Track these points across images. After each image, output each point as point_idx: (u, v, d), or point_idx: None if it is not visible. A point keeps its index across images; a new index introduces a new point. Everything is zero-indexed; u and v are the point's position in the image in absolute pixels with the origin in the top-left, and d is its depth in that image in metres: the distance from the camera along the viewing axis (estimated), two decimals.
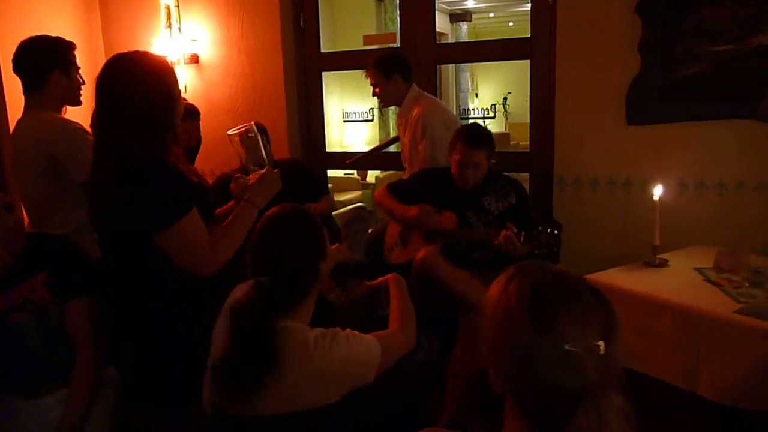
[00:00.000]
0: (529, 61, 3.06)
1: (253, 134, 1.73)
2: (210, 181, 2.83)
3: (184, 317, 1.54)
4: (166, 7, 3.66)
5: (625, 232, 2.77)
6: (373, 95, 3.00)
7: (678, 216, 2.53)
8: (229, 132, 1.72)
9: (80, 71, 2.31)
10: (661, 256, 2.24)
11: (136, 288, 1.57)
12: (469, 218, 2.49)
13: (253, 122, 1.76)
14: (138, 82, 1.50)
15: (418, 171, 2.81)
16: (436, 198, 2.53)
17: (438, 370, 1.77)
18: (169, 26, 3.67)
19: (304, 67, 3.64)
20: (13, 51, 2.22)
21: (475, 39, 10.09)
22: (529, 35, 3.05)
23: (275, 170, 1.74)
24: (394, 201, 2.65)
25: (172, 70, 1.61)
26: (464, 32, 10.06)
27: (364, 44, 3.66)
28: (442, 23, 9.20)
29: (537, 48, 3.00)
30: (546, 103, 2.95)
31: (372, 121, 7.55)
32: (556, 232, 2.17)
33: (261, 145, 1.73)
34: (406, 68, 2.92)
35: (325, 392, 1.31)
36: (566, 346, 0.73)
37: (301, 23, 3.59)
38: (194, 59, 3.68)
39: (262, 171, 1.71)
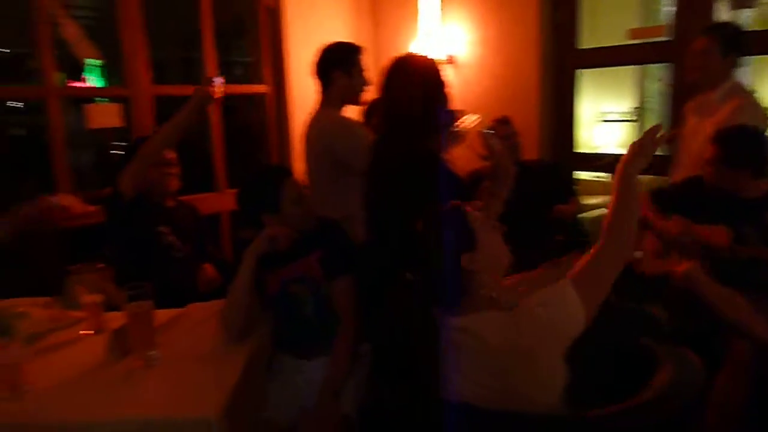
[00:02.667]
0: None
1: (486, 130, 1.73)
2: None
3: None
4: (428, 11, 3.87)
5: None
6: (688, 65, 2.68)
7: None
8: (458, 126, 1.74)
9: (364, 72, 2.52)
10: None
11: (396, 271, 1.70)
12: (746, 234, 2.16)
13: (479, 116, 1.76)
14: (415, 80, 1.64)
15: (687, 177, 2.53)
16: (707, 209, 2.25)
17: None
18: (430, 29, 3.87)
19: (560, 65, 3.54)
20: (300, 53, 2.55)
21: (764, 27, 8.69)
22: None
23: (506, 155, 1.71)
24: (655, 212, 2.42)
25: (441, 68, 1.72)
26: (748, 20, 8.73)
27: (632, 38, 3.41)
28: (720, 11, 8.11)
29: None
30: None
31: (637, 121, 6.98)
32: None
33: (492, 137, 1.72)
34: (744, 55, 2.61)
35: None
36: None
37: (558, 19, 3.50)
38: (451, 60, 3.83)
39: (493, 161, 1.70)
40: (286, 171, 1.92)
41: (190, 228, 2.58)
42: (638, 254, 2.44)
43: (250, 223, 1.85)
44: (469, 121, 1.76)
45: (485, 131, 1.73)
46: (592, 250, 1.38)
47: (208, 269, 2.53)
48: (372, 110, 3.02)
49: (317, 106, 2.58)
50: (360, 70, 2.52)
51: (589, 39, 3.60)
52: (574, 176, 3.70)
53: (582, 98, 3.66)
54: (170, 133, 2.27)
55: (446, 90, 1.70)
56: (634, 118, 6.98)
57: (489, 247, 1.37)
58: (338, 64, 2.47)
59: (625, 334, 1.63)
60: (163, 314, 1.84)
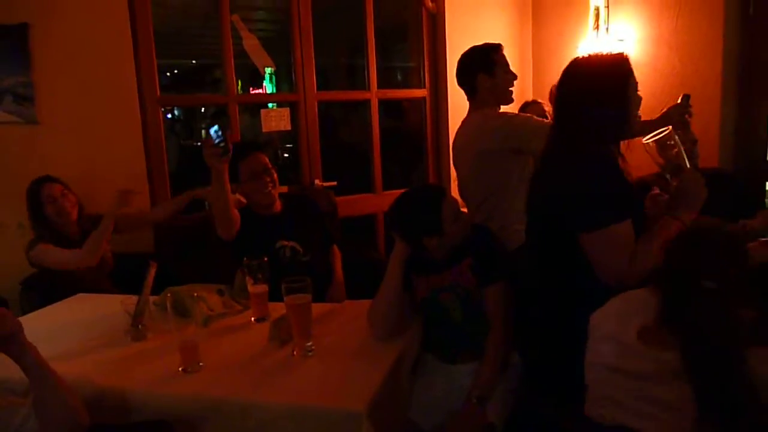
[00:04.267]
0: None
1: (671, 142, 1.59)
2: None
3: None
4: (595, 9, 3.67)
5: None
6: None
7: None
8: (645, 140, 1.63)
9: (509, 67, 2.43)
10: None
11: (553, 281, 1.62)
12: None
13: (671, 128, 1.61)
14: (592, 83, 1.56)
15: None
16: None
17: None
18: (597, 27, 3.67)
19: (750, 64, 3.16)
20: (459, 58, 2.53)
21: None
22: None
23: (697, 175, 1.57)
24: None
25: (626, 66, 1.60)
26: None
27: None
28: None
29: None
30: None
31: None
32: None
33: (681, 153, 1.58)
34: None
35: None
36: None
37: (751, 11, 3.12)
38: None
39: (680, 180, 1.59)
40: (441, 191, 1.89)
41: (306, 224, 2.53)
42: None
43: (410, 245, 1.85)
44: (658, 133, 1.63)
45: (667, 141, 1.59)
46: None
47: (336, 252, 2.61)
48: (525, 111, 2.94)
49: (468, 112, 2.53)
50: (503, 68, 2.43)
51: None
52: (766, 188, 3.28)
53: None
54: (217, 193, 2.20)
55: (632, 89, 1.58)
56: None
57: None
58: (479, 67, 2.41)
59: None
60: (318, 308, 1.92)
